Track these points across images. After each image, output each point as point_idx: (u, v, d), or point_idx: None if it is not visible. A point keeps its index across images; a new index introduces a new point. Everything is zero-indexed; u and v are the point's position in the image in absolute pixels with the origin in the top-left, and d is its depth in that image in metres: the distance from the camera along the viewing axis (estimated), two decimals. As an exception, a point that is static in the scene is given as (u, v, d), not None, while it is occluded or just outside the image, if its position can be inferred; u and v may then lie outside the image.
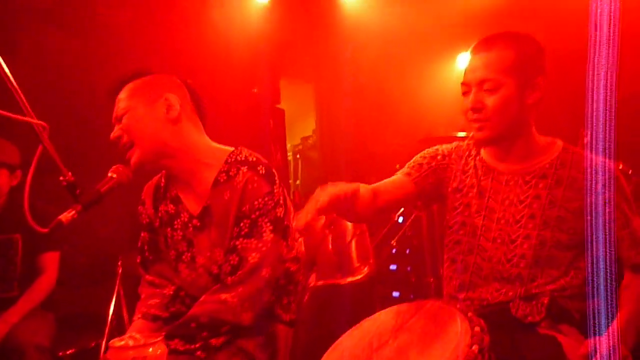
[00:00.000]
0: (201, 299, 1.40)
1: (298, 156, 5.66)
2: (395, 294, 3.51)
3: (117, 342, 1.03)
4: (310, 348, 1.26)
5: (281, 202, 1.42)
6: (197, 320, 1.35)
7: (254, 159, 1.46)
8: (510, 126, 1.34)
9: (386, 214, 2.91)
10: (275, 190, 1.41)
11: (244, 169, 1.42)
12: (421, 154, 1.53)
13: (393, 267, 3.56)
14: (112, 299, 2.28)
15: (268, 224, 1.38)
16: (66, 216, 1.26)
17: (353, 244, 1.72)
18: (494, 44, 1.33)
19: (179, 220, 1.49)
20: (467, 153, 1.48)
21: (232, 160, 1.45)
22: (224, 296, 1.35)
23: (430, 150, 1.52)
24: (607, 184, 1.27)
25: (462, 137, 2.58)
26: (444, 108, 3.88)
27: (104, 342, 2.15)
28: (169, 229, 1.51)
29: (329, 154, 4.93)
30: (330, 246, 1.76)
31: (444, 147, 1.54)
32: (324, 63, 4.62)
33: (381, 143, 4.23)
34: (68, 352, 2.15)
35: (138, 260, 1.61)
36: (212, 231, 1.44)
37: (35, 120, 1.20)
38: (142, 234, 1.60)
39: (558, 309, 1.29)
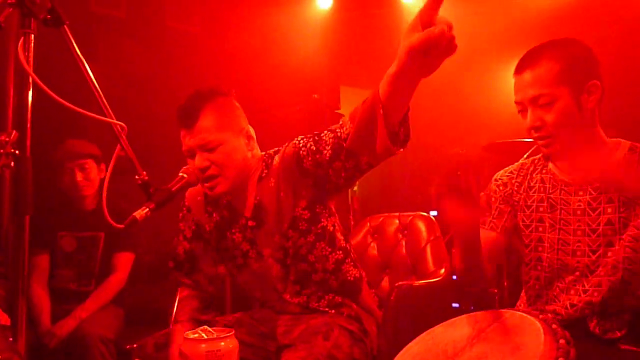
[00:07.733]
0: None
1: (356, 162, 5.60)
2: (455, 305, 3.40)
3: (190, 334, 1.05)
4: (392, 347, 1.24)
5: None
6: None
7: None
8: (575, 135, 1.28)
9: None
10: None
11: (276, 151, 1.53)
12: (489, 196, 1.47)
13: (453, 277, 3.46)
14: (176, 296, 2.35)
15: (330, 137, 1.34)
16: (140, 213, 1.31)
17: (428, 248, 1.70)
18: (538, 58, 1.27)
19: (236, 225, 1.56)
20: (532, 168, 1.43)
21: (266, 156, 1.55)
22: None
23: (491, 186, 1.47)
24: None
25: (528, 142, 2.48)
26: (509, 114, 3.74)
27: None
28: (227, 233, 1.58)
29: (387, 161, 4.85)
30: (404, 250, 1.76)
31: (501, 175, 1.48)
32: (384, 70, 4.57)
33: (441, 150, 4.13)
34: (134, 345, 2.22)
35: (171, 265, 1.67)
36: (268, 222, 1.51)
37: (115, 121, 1.27)
38: (182, 243, 1.66)
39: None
